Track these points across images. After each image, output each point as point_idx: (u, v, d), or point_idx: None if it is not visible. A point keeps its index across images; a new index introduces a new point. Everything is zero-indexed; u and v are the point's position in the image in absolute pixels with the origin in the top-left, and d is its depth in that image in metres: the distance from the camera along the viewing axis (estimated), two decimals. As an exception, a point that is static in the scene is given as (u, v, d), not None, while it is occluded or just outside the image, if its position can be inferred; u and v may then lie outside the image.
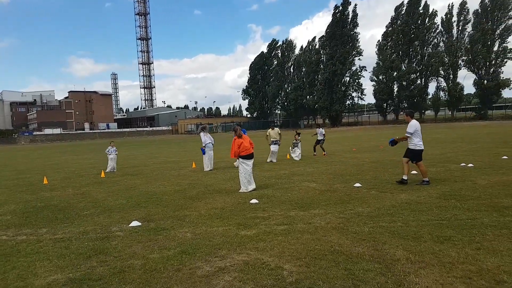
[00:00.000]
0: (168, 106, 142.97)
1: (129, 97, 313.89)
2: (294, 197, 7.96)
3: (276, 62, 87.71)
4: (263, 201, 7.64)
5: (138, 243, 5.25)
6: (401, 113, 67.78)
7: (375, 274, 3.86)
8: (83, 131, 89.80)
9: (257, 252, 4.64)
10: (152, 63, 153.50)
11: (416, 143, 8.84)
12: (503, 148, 16.14)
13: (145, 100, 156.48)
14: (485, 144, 18.49)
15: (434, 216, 5.97)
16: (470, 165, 11.35)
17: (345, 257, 4.37)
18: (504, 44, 58.61)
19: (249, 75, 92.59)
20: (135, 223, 6.26)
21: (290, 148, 16.41)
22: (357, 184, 8.96)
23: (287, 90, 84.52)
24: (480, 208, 6.31)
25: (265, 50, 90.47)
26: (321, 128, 18.67)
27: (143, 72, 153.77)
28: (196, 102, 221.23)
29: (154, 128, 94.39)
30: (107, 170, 14.46)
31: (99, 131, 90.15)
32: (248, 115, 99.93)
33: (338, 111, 71.27)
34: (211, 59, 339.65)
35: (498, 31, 58.67)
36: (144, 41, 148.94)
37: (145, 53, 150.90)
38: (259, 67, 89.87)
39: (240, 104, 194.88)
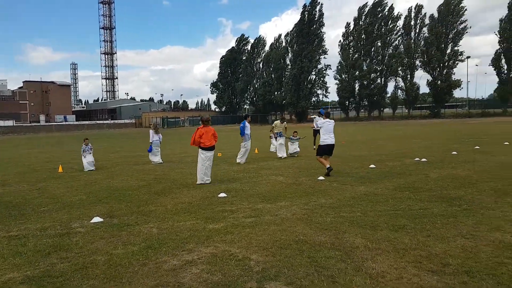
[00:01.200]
0: (131, 98, 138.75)
1: (90, 88, 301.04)
2: (262, 190, 8.18)
3: (245, 57, 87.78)
4: (231, 194, 7.78)
5: (100, 239, 5.18)
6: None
7: (336, 261, 4.13)
8: (39, 124, 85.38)
9: (224, 244, 4.78)
10: (116, 53, 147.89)
11: (324, 139, 9.84)
12: (453, 144, 17.24)
13: (106, 91, 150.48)
14: (438, 141, 19.65)
15: (389, 207, 6.39)
16: (423, 159, 12.08)
17: (309, 245, 4.62)
18: (456, 48, 62.19)
19: (219, 69, 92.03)
20: (96, 219, 6.12)
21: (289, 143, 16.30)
22: (321, 178, 9.33)
23: (256, 86, 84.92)
24: (431, 199, 6.81)
25: (234, 45, 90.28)
26: (321, 118, 18.20)
27: (105, 63, 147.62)
28: (162, 95, 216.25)
29: (116, 121, 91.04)
30: (85, 170, 12.57)
31: (55, 123, 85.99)
32: (217, 109, 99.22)
33: (304, 107, 72.72)
34: (179, 51, 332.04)
35: (451, 35, 61.99)
36: (108, 30, 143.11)
37: (108, 43, 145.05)
38: (229, 61, 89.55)
39: (208, 98, 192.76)
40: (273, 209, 6.49)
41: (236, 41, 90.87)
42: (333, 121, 10.11)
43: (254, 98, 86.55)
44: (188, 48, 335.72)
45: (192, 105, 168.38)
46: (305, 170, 10.73)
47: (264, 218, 5.91)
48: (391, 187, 8.03)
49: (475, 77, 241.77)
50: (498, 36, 58.67)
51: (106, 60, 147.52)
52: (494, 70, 60.49)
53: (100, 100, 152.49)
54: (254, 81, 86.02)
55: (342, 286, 3.55)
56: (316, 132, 16.82)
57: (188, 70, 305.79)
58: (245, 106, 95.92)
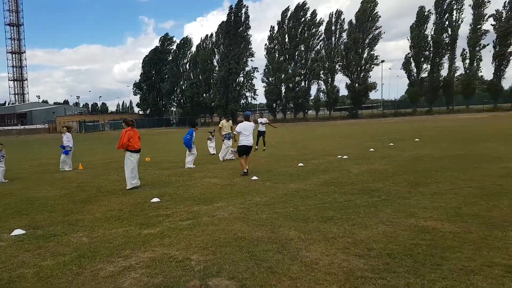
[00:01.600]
0: (44, 101, 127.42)
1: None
2: (197, 193, 8.16)
3: (171, 57, 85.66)
4: (165, 199, 7.66)
5: (25, 251, 4.83)
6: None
7: (273, 253, 4.35)
8: None
9: (163, 248, 4.74)
10: (24, 52, 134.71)
11: (241, 140, 10.43)
12: (370, 142, 18.73)
13: (15, 94, 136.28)
14: (356, 139, 21.19)
15: (318, 201, 6.83)
16: (345, 156, 13.00)
17: (247, 241, 4.78)
18: (371, 52, 67.18)
19: (142, 70, 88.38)
20: (18, 231, 5.66)
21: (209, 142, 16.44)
22: (254, 178, 9.58)
23: (183, 87, 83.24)
24: (354, 192, 7.41)
25: (158, 44, 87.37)
26: (264, 118, 18.09)
27: (12, 63, 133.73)
28: (78, 97, 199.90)
29: (27, 127, 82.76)
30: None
31: (-46, 130, 76.17)
32: (140, 112, 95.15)
33: (233, 110, 73.23)
34: (97, 50, 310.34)
35: (367, 40, 66.89)
36: (15, 27, 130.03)
37: (16, 41, 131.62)
38: (153, 62, 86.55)
39: (130, 100, 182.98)
40: (210, 210, 6.56)
41: (160, 41, 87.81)
42: (252, 124, 10.79)
43: (182, 100, 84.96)
44: (106, 47, 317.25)
45: (112, 108, 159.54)
46: (239, 171, 10.93)
47: (202, 220, 5.94)
48: (319, 183, 8.55)
49: (389, 80, 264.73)
50: (410, 41, 64.70)
51: (14, 60, 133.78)
52: (405, 73, 66.60)
53: (7, 104, 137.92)
54: (181, 82, 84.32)
55: (280, 275, 3.76)
56: (261, 133, 16.99)
57: (107, 71, 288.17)
58: (172, 109, 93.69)
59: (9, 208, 7.52)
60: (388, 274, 3.68)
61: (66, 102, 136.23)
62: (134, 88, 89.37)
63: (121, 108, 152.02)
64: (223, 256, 4.32)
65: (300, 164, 11.63)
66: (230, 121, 14.72)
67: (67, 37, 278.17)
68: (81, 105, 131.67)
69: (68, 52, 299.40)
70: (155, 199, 7.56)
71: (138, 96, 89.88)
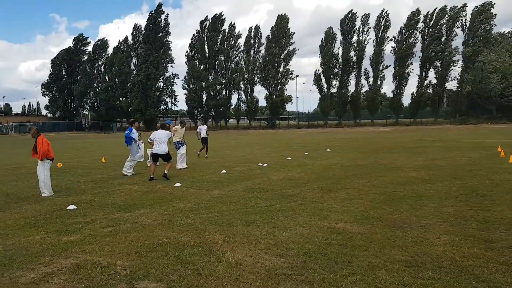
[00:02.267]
0: None
1: None
2: (117, 200, 7.94)
3: (85, 58, 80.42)
4: (82, 206, 7.32)
5: None
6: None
7: (200, 256, 4.52)
8: None
9: (85, 254, 4.62)
10: None
11: (153, 148, 10.86)
12: (287, 151, 19.77)
13: None
14: (275, 148, 22.17)
15: (241, 206, 7.14)
16: (265, 164, 13.60)
17: (173, 246, 4.88)
18: (287, 67, 70.78)
19: (52, 70, 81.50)
20: None
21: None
22: (177, 184, 9.59)
23: (98, 90, 78.49)
24: (274, 197, 7.88)
25: (71, 44, 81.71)
26: (205, 125, 17.93)
27: None
28: None
29: None
30: None
31: None
32: (49, 114, 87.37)
33: (153, 115, 71.08)
34: (1, 47, 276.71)
35: (282, 55, 70.27)
36: None
37: None
38: (64, 62, 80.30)
39: (38, 102, 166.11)
40: (132, 217, 6.47)
41: (73, 41, 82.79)
42: (168, 132, 11.09)
43: (96, 103, 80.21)
44: (12, 43, 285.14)
45: (17, 109, 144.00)
46: (161, 178, 10.81)
47: (124, 227, 5.86)
48: (241, 189, 8.89)
49: (303, 93, 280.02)
50: (320, 59, 69.47)
51: None
52: (317, 88, 71.19)
53: None
54: (95, 84, 79.74)
55: (207, 276, 3.95)
56: (204, 139, 16.75)
57: (13, 69, 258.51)
58: (84, 112, 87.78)
59: None
60: (305, 271, 4.08)
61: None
62: (43, 89, 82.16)
63: (27, 109, 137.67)
64: (149, 261, 4.37)
65: (223, 171, 11.90)
66: (184, 128, 13.71)
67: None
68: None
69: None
70: (72, 206, 7.21)
71: (47, 97, 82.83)
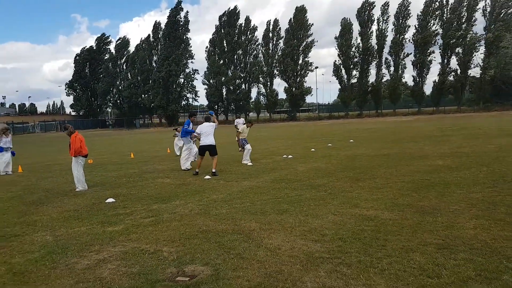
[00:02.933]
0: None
1: None
2: (152, 192, 8.27)
3: (107, 57, 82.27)
4: (120, 199, 7.68)
5: (-12, 251, 4.75)
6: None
7: (240, 242, 4.75)
8: None
9: (132, 242, 4.92)
10: None
11: (201, 141, 10.74)
12: (310, 142, 19.83)
13: None
14: (297, 140, 22.26)
15: (272, 196, 7.34)
16: (290, 156, 13.75)
17: (213, 233, 5.13)
18: (306, 59, 70.30)
19: (75, 69, 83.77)
20: (-28, 234, 5.48)
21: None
22: (207, 177, 9.88)
23: (120, 88, 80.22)
24: (302, 187, 8.04)
25: (92, 43, 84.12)
26: (242, 118, 17.86)
27: None
28: (4, 97, 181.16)
29: None
30: None
31: None
32: (73, 113, 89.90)
33: (174, 110, 72.21)
34: (25, 48, 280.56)
35: (301, 47, 69.86)
36: None
37: None
38: (87, 61, 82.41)
39: (62, 101, 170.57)
40: (169, 208, 6.77)
41: (95, 40, 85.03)
42: (213, 124, 10.99)
43: (118, 101, 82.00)
44: (36, 45, 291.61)
45: (42, 109, 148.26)
46: (191, 171, 11.11)
47: (163, 217, 6.15)
48: (269, 180, 9.09)
49: (322, 85, 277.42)
50: (338, 50, 68.74)
51: None
52: (336, 79, 70.54)
53: None
54: (118, 82, 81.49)
55: (249, 259, 4.17)
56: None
57: (37, 69, 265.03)
58: (107, 109, 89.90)
59: None
60: (342, 254, 4.25)
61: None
62: (67, 88, 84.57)
63: (51, 109, 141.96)
64: (193, 247, 4.62)
65: (250, 164, 12.12)
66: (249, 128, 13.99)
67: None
68: (7, 106, 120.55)
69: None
70: (110, 200, 7.57)
71: (71, 96, 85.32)
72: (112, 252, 4.55)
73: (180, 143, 15.49)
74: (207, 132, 10.72)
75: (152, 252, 4.50)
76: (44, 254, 4.54)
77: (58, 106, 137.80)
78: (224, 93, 73.68)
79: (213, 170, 10.32)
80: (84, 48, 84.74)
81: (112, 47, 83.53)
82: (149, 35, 77.07)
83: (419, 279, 3.49)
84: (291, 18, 69.53)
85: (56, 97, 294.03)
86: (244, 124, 14.19)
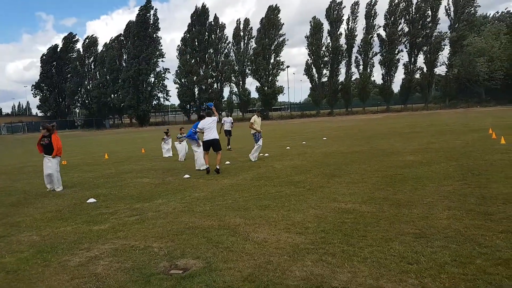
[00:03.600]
0: None
1: None
2: (133, 192, 8.29)
3: (75, 56, 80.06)
4: (101, 199, 7.67)
5: (-26, 253, 4.71)
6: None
7: (227, 236, 4.92)
8: None
9: (120, 240, 4.99)
10: None
11: (205, 136, 10.61)
12: (284, 141, 20.20)
13: None
14: (272, 139, 22.53)
15: (253, 193, 7.54)
16: (266, 154, 14.00)
17: (200, 229, 5.27)
18: (277, 58, 71.01)
19: (41, 69, 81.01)
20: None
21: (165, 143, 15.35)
22: (186, 176, 9.96)
23: (89, 87, 78.16)
24: (282, 184, 8.28)
25: (59, 42, 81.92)
26: (230, 117, 17.59)
27: None
28: None
29: None
30: None
31: None
32: (40, 114, 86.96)
33: (145, 110, 71.04)
34: None
35: (273, 46, 70.42)
36: None
37: None
38: (54, 60, 79.80)
39: (28, 102, 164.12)
40: (153, 206, 6.84)
41: (62, 40, 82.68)
42: (215, 118, 10.81)
43: (87, 101, 79.95)
44: None
45: (7, 110, 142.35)
46: (168, 171, 11.14)
47: (148, 215, 6.23)
48: (249, 178, 9.29)
49: (294, 84, 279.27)
50: (308, 49, 69.79)
51: None
52: (307, 78, 71.61)
53: None
54: (86, 82, 79.44)
55: (238, 252, 4.36)
56: (227, 132, 16.91)
57: (0, 69, 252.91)
58: (76, 109, 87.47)
59: None
60: (325, 245, 4.50)
61: None
62: (34, 90, 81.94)
63: (17, 109, 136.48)
64: (182, 242, 4.76)
65: (227, 162, 12.27)
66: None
67: None
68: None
69: None
70: (91, 200, 7.55)
71: (38, 97, 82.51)
72: (103, 250, 4.61)
73: (167, 146, 15.35)
74: (210, 127, 10.65)
75: (142, 248, 4.59)
76: (34, 253, 4.54)
77: (24, 107, 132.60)
78: (196, 93, 73.25)
79: (217, 167, 10.27)
80: (50, 47, 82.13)
81: (79, 46, 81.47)
82: (120, 34, 75.57)
83: (399, 265, 3.78)
84: (263, 18, 70.03)
85: (22, 98, 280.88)
86: (255, 115, 13.64)
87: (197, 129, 10.96)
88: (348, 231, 4.95)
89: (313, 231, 5.02)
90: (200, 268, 3.91)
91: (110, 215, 6.37)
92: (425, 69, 65.76)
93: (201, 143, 11.13)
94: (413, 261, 3.86)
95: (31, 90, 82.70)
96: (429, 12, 64.07)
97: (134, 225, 5.65)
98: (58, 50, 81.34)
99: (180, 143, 14.07)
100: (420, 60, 66.22)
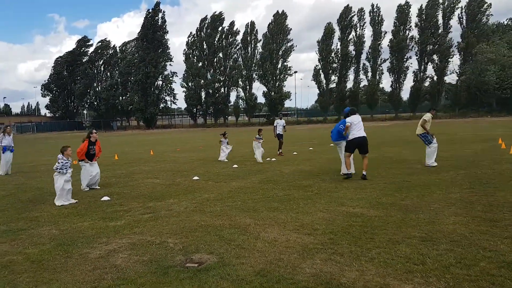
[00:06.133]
0: None
1: None
2: (144, 191, 8.52)
3: (86, 59, 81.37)
4: (114, 197, 7.91)
5: (1, 243, 4.98)
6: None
7: (238, 235, 5.11)
8: None
9: (137, 235, 5.20)
10: None
11: (352, 134, 9.57)
12: (291, 146, 20.36)
13: None
14: (278, 144, 22.65)
15: (262, 195, 7.72)
16: (273, 159, 14.19)
17: (212, 228, 5.46)
18: (285, 63, 71.28)
19: (53, 70, 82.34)
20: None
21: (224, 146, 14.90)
22: (196, 177, 10.16)
23: (98, 89, 79.15)
24: (290, 188, 8.45)
25: (70, 43, 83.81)
26: (282, 120, 17.03)
27: None
28: None
29: None
30: None
31: None
32: (49, 114, 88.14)
33: (153, 113, 71.65)
34: (1, 48, 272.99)
35: (280, 52, 70.77)
36: None
37: None
38: (67, 63, 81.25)
39: (37, 102, 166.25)
40: (165, 205, 7.05)
41: (76, 43, 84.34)
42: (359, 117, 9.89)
43: (95, 102, 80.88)
44: (12, 44, 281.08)
45: (16, 110, 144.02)
46: (178, 172, 11.35)
47: (161, 213, 6.43)
48: (257, 181, 9.47)
49: (301, 89, 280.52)
50: (318, 55, 70.01)
51: None
52: (315, 83, 71.75)
53: None
54: (95, 84, 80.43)
55: (250, 249, 4.54)
56: (280, 135, 16.69)
57: (11, 69, 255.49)
58: (84, 111, 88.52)
59: None
60: (334, 245, 4.66)
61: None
62: (43, 90, 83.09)
63: (26, 110, 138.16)
64: (195, 239, 4.95)
65: (235, 166, 12.47)
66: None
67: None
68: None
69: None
70: (105, 198, 7.78)
71: (47, 97, 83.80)
72: (120, 244, 4.82)
73: (228, 150, 14.91)
74: (358, 125, 9.48)
75: (158, 243, 4.80)
76: (55, 246, 4.77)
77: (33, 107, 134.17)
78: (203, 97, 73.70)
79: (364, 173, 9.26)
80: (69, 52, 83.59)
81: (91, 49, 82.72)
82: (136, 38, 75.95)
83: (406, 265, 3.94)
84: (270, 23, 70.46)
85: (31, 98, 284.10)
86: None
87: (347, 123, 9.55)
88: (356, 233, 5.10)
89: (322, 232, 5.18)
90: (214, 263, 4.10)
91: (125, 212, 6.59)
92: (435, 78, 65.61)
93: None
94: (419, 262, 4.01)
95: (41, 90, 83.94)
96: (440, 19, 64.08)
97: (148, 222, 5.85)
98: (73, 53, 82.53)
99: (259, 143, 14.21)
100: (430, 68, 66.22)
